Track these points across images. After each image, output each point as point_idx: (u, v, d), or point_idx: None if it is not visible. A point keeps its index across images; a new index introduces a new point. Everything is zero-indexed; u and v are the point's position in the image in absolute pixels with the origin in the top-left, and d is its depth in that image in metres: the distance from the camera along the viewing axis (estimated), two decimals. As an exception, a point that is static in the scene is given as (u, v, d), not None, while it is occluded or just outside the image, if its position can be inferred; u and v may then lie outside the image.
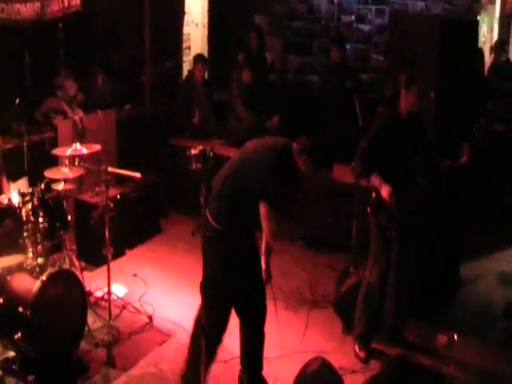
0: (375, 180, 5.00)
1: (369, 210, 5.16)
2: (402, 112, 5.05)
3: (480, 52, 8.54)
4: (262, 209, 4.17)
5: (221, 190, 4.27)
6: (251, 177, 4.23)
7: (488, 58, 9.57)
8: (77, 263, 5.75)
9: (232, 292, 4.38)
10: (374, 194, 5.11)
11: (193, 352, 4.43)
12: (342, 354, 5.30)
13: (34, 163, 6.02)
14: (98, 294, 5.87)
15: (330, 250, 7.06)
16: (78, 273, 5.19)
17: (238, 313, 4.58)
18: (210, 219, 4.28)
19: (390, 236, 5.08)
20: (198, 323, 4.25)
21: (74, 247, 6.37)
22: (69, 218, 5.37)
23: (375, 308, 5.32)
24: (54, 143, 6.76)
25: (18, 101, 6.14)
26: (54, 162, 6.08)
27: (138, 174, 5.57)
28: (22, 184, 5.66)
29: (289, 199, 4.48)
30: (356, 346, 5.37)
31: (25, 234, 4.88)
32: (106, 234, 5.45)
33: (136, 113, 8.34)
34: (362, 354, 5.32)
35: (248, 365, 4.79)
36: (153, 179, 7.59)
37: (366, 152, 5.02)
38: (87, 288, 5.45)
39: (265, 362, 4.84)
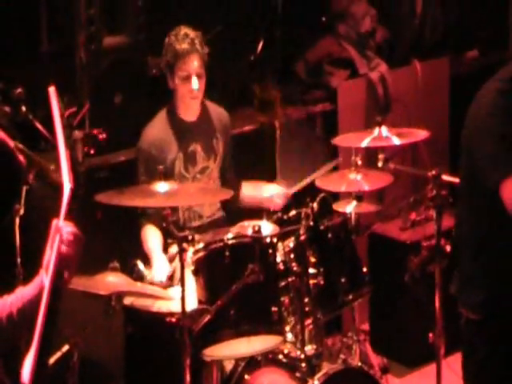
0: None
1: None
2: None
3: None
4: None
5: None
6: None
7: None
8: (374, 358, 3.91)
9: None
10: None
11: None
12: None
13: (293, 160, 4.13)
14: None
15: None
16: (376, 377, 3.47)
17: None
18: None
19: None
20: None
21: (367, 326, 4.42)
22: (364, 269, 3.46)
23: None
24: (332, 122, 4.39)
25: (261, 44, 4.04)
26: (332, 158, 4.02)
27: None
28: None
29: None
30: None
31: (281, 298, 3.25)
32: (436, 303, 3.19)
33: (486, 61, 4.98)
34: None
35: None
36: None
37: None
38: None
39: None
